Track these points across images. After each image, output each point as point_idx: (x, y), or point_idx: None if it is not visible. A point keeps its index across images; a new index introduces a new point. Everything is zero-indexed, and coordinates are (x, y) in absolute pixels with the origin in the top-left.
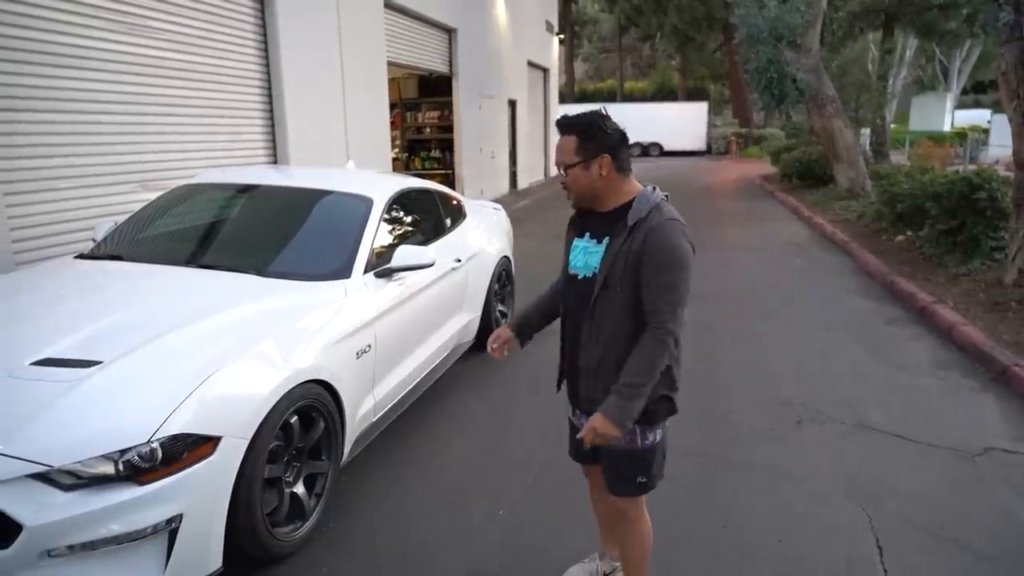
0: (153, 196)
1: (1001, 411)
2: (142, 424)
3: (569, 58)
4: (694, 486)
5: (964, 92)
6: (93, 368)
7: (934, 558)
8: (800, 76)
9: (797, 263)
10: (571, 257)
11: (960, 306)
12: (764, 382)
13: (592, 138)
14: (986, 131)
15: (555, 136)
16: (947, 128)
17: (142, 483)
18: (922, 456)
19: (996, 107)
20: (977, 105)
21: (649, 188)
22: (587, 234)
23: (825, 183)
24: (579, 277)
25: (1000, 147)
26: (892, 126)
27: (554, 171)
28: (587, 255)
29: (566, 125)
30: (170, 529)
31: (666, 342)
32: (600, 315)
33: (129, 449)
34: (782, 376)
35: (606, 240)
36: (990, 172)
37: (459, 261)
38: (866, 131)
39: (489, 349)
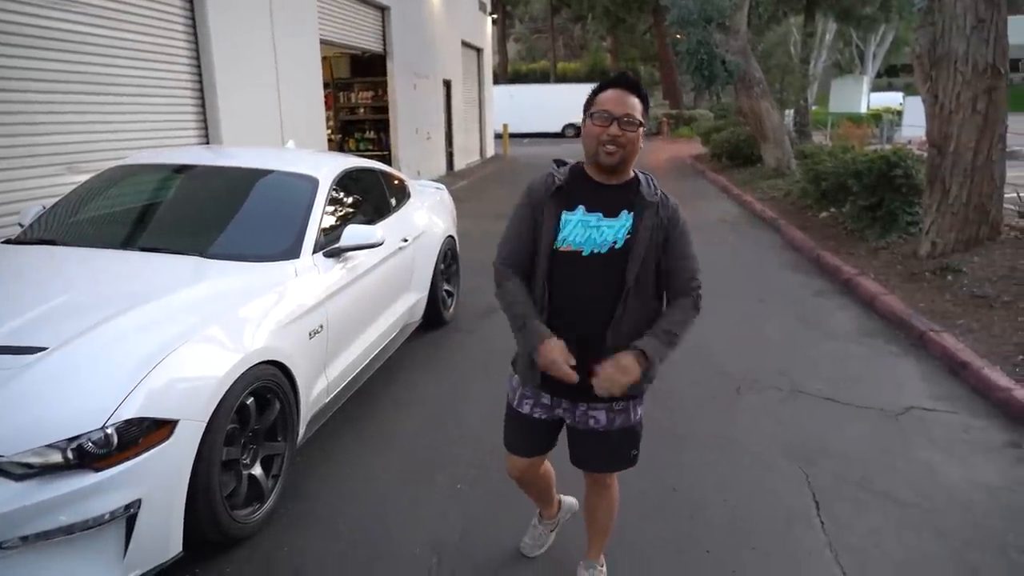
0: (80, 179)
1: (920, 373)
2: (95, 409)
3: (502, 38)
4: (642, 454)
5: (879, 75)
6: (38, 354)
7: (865, 510)
8: (729, 58)
9: (729, 240)
10: (563, 231)
11: (881, 277)
12: (703, 354)
13: (648, 109)
14: (899, 112)
15: (496, 116)
16: (864, 110)
17: (97, 469)
18: (851, 417)
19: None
20: (890, 88)
21: (637, 170)
22: (581, 207)
23: (753, 163)
24: (583, 254)
25: (912, 127)
26: (814, 107)
27: (491, 151)
28: (592, 230)
29: (634, 85)
30: (128, 515)
31: (699, 304)
32: (637, 293)
33: (83, 435)
34: (720, 348)
35: (626, 215)
36: (906, 151)
37: (406, 240)
38: (790, 112)
39: (565, 374)
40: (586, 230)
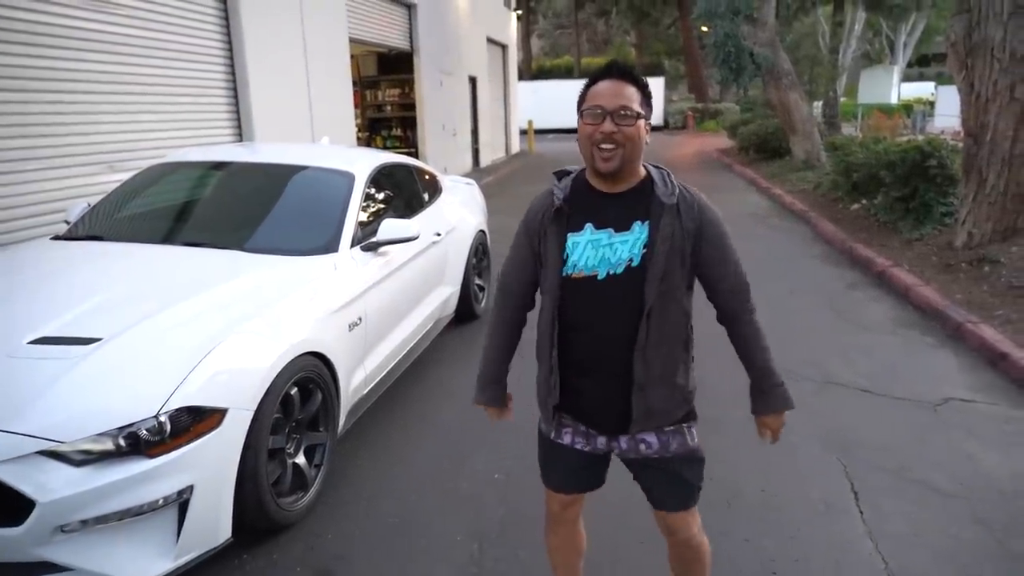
0: (121, 177)
1: (958, 364)
2: (149, 398)
3: (526, 35)
4: None
5: (909, 65)
6: (94, 344)
7: (904, 499)
8: (757, 50)
9: (759, 232)
10: (572, 256)
11: (915, 269)
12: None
13: (648, 98)
14: (932, 103)
15: (517, 113)
16: (894, 100)
17: (151, 456)
18: (888, 408)
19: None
20: (921, 78)
21: (649, 164)
22: (589, 226)
23: (781, 155)
24: (599, 278)
25: (945, 117)
26: (843, 99)
27: (516, 147)
28: (604, 249)
29: (627, 73)
30: (181, 501)
31: (759, 319)
32: (662, 315)
33: (137, 423)
34: None
35: (639, 226)
36: (940, 141)
37: (439, 235)
38: (818, 104)
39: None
40: (598, 250)
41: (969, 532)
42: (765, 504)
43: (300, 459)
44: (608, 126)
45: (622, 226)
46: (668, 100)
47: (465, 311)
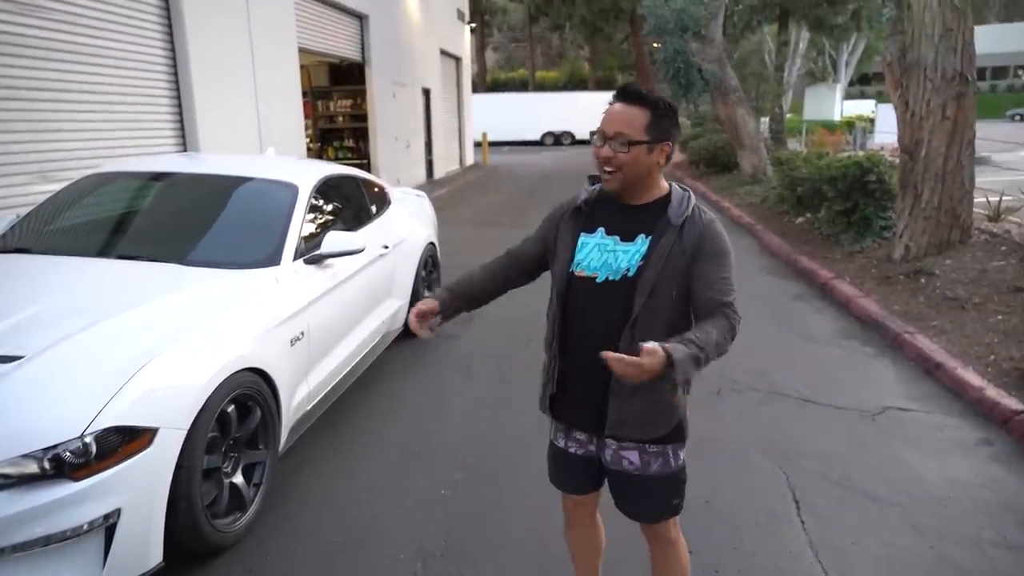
0: (54, 187)
1: (895, 374)
2: (73, 418)
3: (480, 47)
4: None
5: (851, 83)
6: (15, 363)
7: (845, 508)
8: (705, 66)
9: None
10: (579, 255)
11: (856, 281)
12: None
13: (666, 118)
14: (872, 120)
15: (475, 124)
16: (837, 117)
17: (76, 479)
18: (830, 418)
19: (880, 97)
20: (863, 96)
21: (677, 185)
22: (601, 230)
23: (730, 169)
24: (598, 281)
25: (884, 134)
26: (788, 115)
27: (470, 159)
28: (608, 255)
29: (638, 94)
30: (107, 525)
31: (736, 330)
32: (644, 328)
33: (60, 445)
34: None
35: (642, 239)
36: (879, 157)
37: (386, 247)
38: (765, 120)
39: (411, 325)
40: (603, 254)
41: (906, 539)
42: (709, 514)
43: (238, 478)
44: (606, 151)
45: (628, 237)
46: None
47: None
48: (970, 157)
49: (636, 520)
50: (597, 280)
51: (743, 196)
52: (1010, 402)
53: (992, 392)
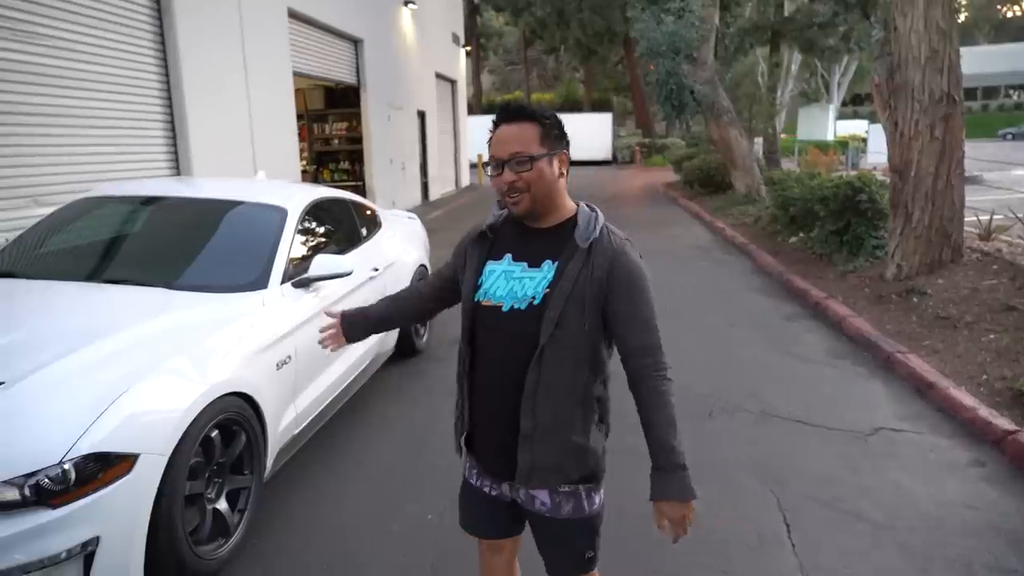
0: (46, 211)
1: (888, 394)
2: (52, 445)
3: (476, 70)
4: (612, 480)
5: (844, 104)
6: None
7: (836, 530)
8: (697, 88)
9: (701, 265)
10: (485, 284)
11: (848, 300)
12: (676, 377)
13: (555, 127)
14: (864, 140)
15: (470, 146)
16: (831, 137)
17: (54, 506)
18: (822, 439)
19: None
20: (855, 116)
21: (584, 204)
22: (508, 256)
23: (724, 189)
24: (504, 309)
25: (877, 154)
26: (782, 135)
27: (466, 181)
28: (514, 282)
29: (520, 110)
30: (86, 553)
31: (671, 387)
32: (553, 361)
33: (39, 472)
34: (692, 371)
35: (549, 265)
36: (870, 176)
37: (376, 270)
38: (759, 140)
39: (319, 343)
40: (508, 282)
41: (897, 562)
42: (699, 539)
43: (222, 504)
44: (507, 175)
45: (535, 262)
46: (616, 135)
47: (405, 347)
48: (960, 176)
49: (552, 574)
50: (503, 309)
51: (737, 216)
52: (1002, 422)
53: (984, 412)
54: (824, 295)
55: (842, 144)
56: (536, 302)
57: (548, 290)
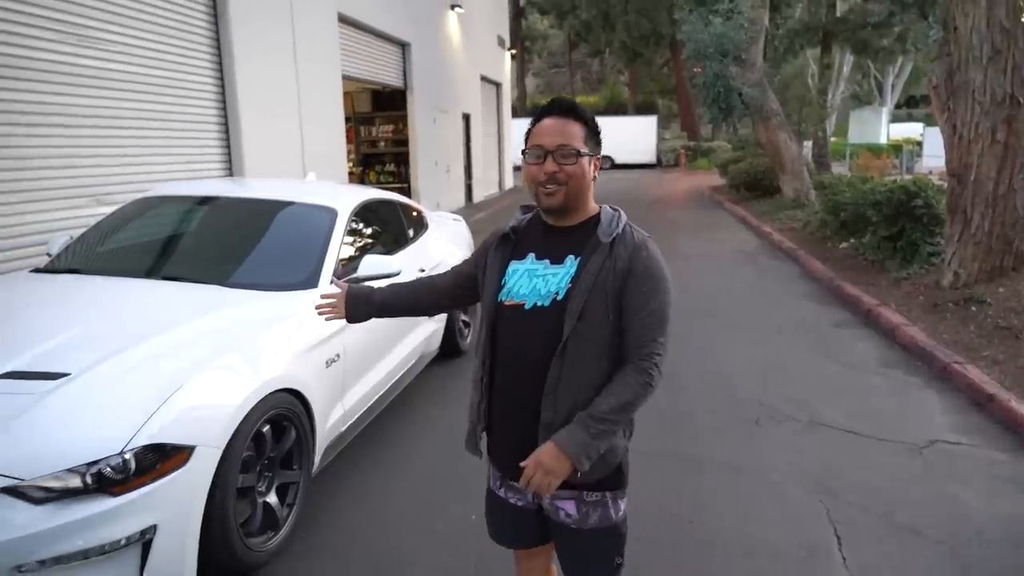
0: (107, 210)
1: (943, 406)
2: (114, 435)
3: (521, 73)
4: (658, 485)
5: (898, 106)
6: (61, 380)
7: (889, 544)
8: (745, 90)
9: (748, 270)
10: (509, 283)
11: (902, 308)
12: (722, 383)
13: (596, 134)
14: (919, 143)
15: (511, 149)
16: (883, 140)
17: (115, 494)
18: (873, 450)
19: (928, 120)
20: (910, 119)
21: (608, 206)
22: (531, 255)
23: (771, 193)
24: (526, 307)
25: (933, 158)
26: (832, 139)
27: (509, 183)
28: (538, 280)
29: (572, 107)
30: (144, 541)
31: (653, 379)
32: (576, 355)
33: (101, 460)
34: (739, 377)
35: (571, 260)
36: (926, 181)
37: (423, 271)
38: (808, 143)
39: (316, 309)
40: (532, 280)
41: None
42: (745, 550)
43: (272, 498)
44: (550, 165)
45: (557, 259)
46: (661, 138)
47: (450, 347)
48: (1022, 181)
49: None
50: (526, 307)
51: (784, 221)
52: None
53: None
54: (876, 302)
55: (896, 148)
56: (560, 298)
57: (571, 284)
